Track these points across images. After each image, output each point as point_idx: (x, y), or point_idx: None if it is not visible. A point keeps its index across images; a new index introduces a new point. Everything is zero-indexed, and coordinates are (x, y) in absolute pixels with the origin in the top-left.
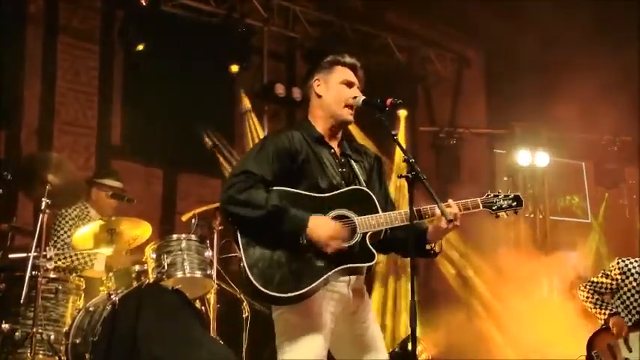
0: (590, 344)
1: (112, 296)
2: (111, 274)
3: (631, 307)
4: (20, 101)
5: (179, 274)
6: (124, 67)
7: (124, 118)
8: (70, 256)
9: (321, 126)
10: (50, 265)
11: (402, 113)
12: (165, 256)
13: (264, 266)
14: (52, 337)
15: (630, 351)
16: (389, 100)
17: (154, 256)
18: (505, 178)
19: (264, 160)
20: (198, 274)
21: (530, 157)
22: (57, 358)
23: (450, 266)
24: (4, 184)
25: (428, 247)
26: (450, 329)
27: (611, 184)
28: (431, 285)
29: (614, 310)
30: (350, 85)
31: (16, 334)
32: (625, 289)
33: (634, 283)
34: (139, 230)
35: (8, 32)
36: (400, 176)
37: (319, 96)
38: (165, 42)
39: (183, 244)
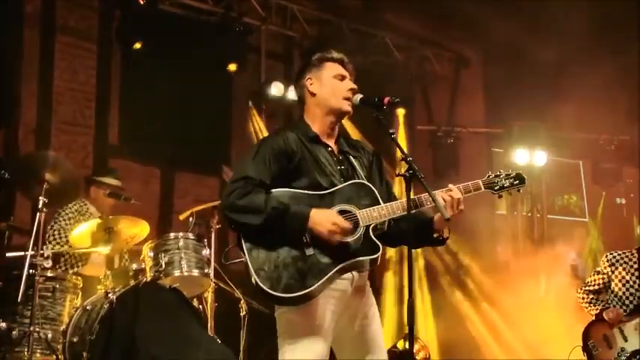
0: (586, 335)
1: (109, 295)
2: (108, 272)
3: (624, 297)
4: (18, 100)
5: (177, 273)
6: (122, 66)
7: (121, 117)
8: (67, 242)
9: (317, 125)
10: (48, 264)
11: (401, 112)
12: (162, 255)
13: (269, 269)
14: (50, 335)
15: (626, 340)
16: (386, 99)
17: (152, 254)
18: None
19: (261, 163)
20: (195, 272)
21: (528, 156)
22: (54, 356)
23: (446, 263)
24: (2, 183)
25: (436, 234)
26: (446, 328)
27: (609, 183)
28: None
29: (607, 305)
30: (343, 78)
31: (14, 332)
32: (616, 280)
33: (623, 273)
34: (136, 229)
35: (6, 32)
36: (398, 175)
37: (313, 94)
38: (163, 41)
39: (181, 243)
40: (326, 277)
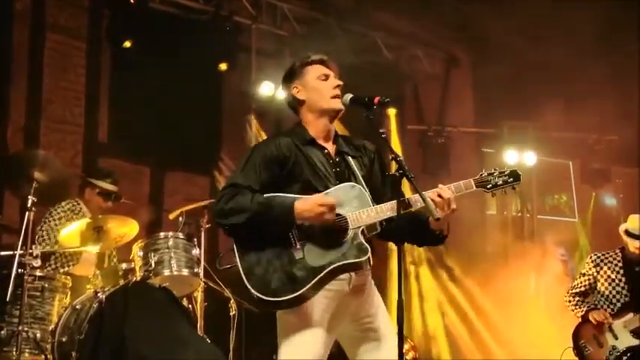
0: (576, 335)
1: (98, 294)
2: (98, 272)
3: (610, 296)
4: (7, 99)
5: (166, 272)
6: (112, 64)
7: (111, 116)
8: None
9: (313, 129)
10: (37, 263)
11: (392, 112)
12: (152, 254)
13: (259, 272)
14: (39, 335)
15: (616, 338)
16: (377, 99)
17: (141, 254)
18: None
19: (251, 171)
20: (185, 272)
21: (518, 156)
22: (43, 356)
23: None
24: None
25: (437, 232)
26: (436, 329)
27: (598, 183)
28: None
29: (592, 306)
30: (326, 77)
31: (2, 332)
32: (601, 280)
33: (608, 272)
34: (126, 228)
35: None
36: (388, 174)
37: (302, 101)
38: (153, 39)
39: (171, 242)
40: (314, 281)
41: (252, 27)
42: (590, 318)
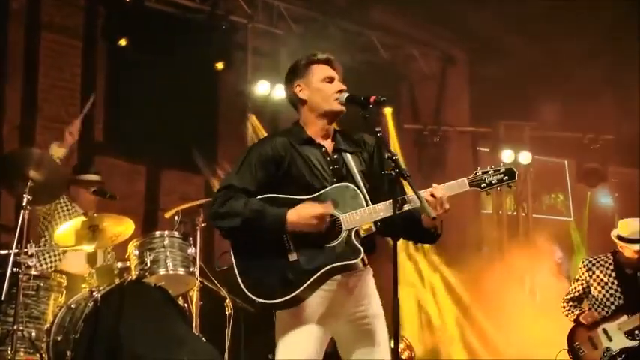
0: (571, 337)
1: (94, 293)
2: (93, 270)
3: (604, 299)
4: (2, 97)
5: (162, 271)
6: (107, 63)
7: (106, 115)
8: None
9: (311, 129)
10: (32, 262)
11: (388, 111)
12: (147, 253)
13: (254, 274)
14: (34, 334)
15: (610, 340)
16: (373, 98)
17: (137, 252)
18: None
19: (246, 172)
20: (181, 271)
21: (514, 156)
22: (38, 355)
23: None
24: None
25: (430, 230)
26: (432, 328)
27: (594, 182)
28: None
29: (584, 310)
30: (331, 79)
31: None
32: (594, 284)
33: (601, 275)
34: (121, 227)
35: None
36: (384, 173)
37: (304, 101)
38: (149, 38)
39: (166, 241)
40: (308, 282)
41: (248, 26)
42: (581, 319)
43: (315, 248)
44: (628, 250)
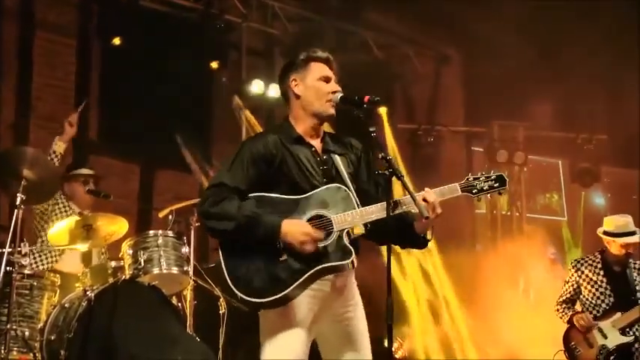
0: (567, 337)
1: (87, 292)
2: (87, 270)
3: (595, 299)
4: None
5: (155, 271)
6: (101, 62)
7: (100, 114)
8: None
9: (301, 126)
10: (25, 262)
11: (383, 111)
12: (141, 253)
13: (243, 273)
14: (27, 333)
15: (606, 338)
16: (367, 98)
17: (131, 252)
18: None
19: (238, 169)
20: (174, 270)
21: (508, 156)
22: (31, 354)
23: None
24: None
25: (420, 235)
26: (425, 328)
27: (587, 182)
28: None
29: (576, 311)
30: (327, 80)
31: None
32: (584, 283)
33: (590, 275)
34: (115, 226)
35: None
36: (378, 173)
37: (298, 96)
38: (143, 37)
39: (160, 241)
40: (298, 282)
41: (242, 25)
42: (575, 321)
43: None
44: (614, 246)
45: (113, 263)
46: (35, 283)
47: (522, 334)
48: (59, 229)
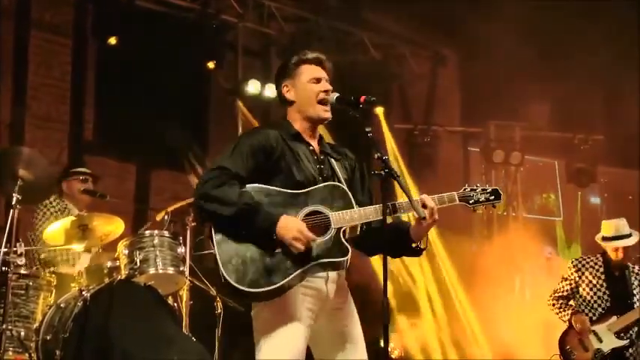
0: (562, 342)
1: (83, 292)
2: (82, 270)
3: (592, 301)
4: None
5: (151, 271)
6: (98, 61)
7: (97, 113)
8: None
9: (298, 126)
10: (21, 261)
11: (380, 111)
12: (137, 253)
13: (237, 262)
14: (23, 333)
15: (601, 341)
16: (363, 98)
17: (127, 252)
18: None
19: (238, 157)
20: (170, 270)
21: (504, 156)
22: (27, 355)
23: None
24: None
25: (414, 245)
26: (422, 328)
27: (584, 182)
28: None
29: (576, 309)
30: (318, 80)
31: None
32: (583, 284)
33: (590, 277)
34: (111, 226)
35: None
36: (374, 173)
37: (291, 101)
38: (139, 37)
39: (156, 241)
40: (292, 276)
41: (238, 25)
42: (573, 322)
43: None
44: (609, 250)
45: (109, 263)
46: (31, 283)
47: (518, 333)
48: (55, 229)
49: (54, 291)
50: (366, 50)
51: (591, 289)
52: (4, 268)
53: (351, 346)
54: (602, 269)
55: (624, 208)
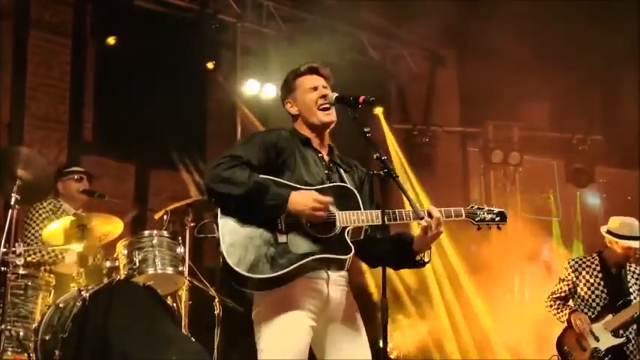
0: (560, 343)
1: (82, 293)
2: (81, 270)
3: (590, 300)
4: None
5: (150, 271)
6: (97, 61)
7: (96, 113)
8: (40, 251)
9: (307, 134)
10: (20, 261)
11: (380, 111)
12: (136, 253)
13: (240, 247)
14: (21, 333)
15: (598, 340)
16: (362, 98)
17: (126, 252)
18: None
19: (250, 147)
20: (169, 270)
21: (502, 156)
22: (26, 355)
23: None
24: None
25: (417, 257)
26: (420, 328)
27: (582, 182)
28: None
29: (574, 308)
30: (315, 89)
31: None
32: (580, 284)
33: (587, 277)
34: (110, 226)
35: None
36: (373, 173)
37: (296, 115)
38: (138, 37)
39: (155, 241)
40: (294, 266)
41: (237, 25)
42: (572, 321)
43: (306, 236)
44: (617, 246)
45: (108, 263)
46: (30, 283)
47: (517, 333)
48: (54, 229)
49: (53, 291)
50: (365, 50)
51: (589, 288)
52: (2, 268)
53: (353, 348)
54: (599, 268)
55: (623, 209)
